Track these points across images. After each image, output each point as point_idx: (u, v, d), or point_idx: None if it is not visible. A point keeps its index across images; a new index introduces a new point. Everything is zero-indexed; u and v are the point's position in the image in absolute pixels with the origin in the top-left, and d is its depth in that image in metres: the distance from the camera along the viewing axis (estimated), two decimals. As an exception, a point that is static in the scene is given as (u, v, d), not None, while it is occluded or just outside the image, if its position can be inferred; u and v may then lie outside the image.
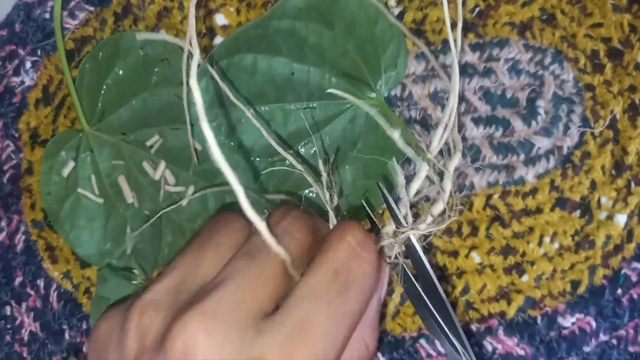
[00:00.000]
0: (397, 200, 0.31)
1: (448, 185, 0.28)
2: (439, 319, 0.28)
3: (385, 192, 0.30)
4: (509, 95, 0.33)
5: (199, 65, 0.31)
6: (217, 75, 0.29)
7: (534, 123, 0.32)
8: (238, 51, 0.32)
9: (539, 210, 0.32)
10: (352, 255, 0.23)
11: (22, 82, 0.38)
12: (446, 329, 0.28)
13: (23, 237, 0.38)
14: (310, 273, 0.22)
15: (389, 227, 0.29)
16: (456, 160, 0.28)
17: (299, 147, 0.32)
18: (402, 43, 0.33)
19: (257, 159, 0.33)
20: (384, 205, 0.33)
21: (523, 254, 0.32)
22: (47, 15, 0.38)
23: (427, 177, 0.30)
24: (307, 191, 0.33)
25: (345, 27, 0.32)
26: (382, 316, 0.33)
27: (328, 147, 0.33)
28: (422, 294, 0.28)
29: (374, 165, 0.32)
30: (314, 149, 0.32)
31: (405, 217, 0.29)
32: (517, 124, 0.32)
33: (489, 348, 0.31)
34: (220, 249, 0.24)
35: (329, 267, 0.22)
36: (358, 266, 0.23)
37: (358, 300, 0.23)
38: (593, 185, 0.32)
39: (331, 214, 0.28)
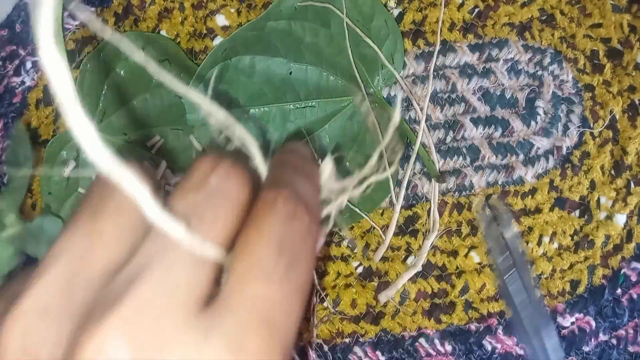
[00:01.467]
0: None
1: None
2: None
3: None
4: (508, 95, 0.33)
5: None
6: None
7: (533, 123, 0.32)
8: (236, 53, 0.32)
9: (538, 210, 0.32)
10: (289, 222, 0.16)
11: (23, 82, 0.39)
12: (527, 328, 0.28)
13: (24, 237, 0.38)
14: (248, 249, 0.16)
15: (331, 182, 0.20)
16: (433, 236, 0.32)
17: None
18: (398, 39, 0.33)
19: None
20: (386, 200, 0.33)
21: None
22: (48, 16, 0.38)
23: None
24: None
25: (341, 26, 0.32)
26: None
27: (328, 144, 0.33)
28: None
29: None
30: (314, 147, 0.33)
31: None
32: (517, 124, 0.32)
33: (489, 347, 0.31)
34: (123, 218, 0.16)
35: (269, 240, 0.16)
36: (300, 230, 0.17)
37: (309, 268, 0.17)
38: (592, 185, 0.32)
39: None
